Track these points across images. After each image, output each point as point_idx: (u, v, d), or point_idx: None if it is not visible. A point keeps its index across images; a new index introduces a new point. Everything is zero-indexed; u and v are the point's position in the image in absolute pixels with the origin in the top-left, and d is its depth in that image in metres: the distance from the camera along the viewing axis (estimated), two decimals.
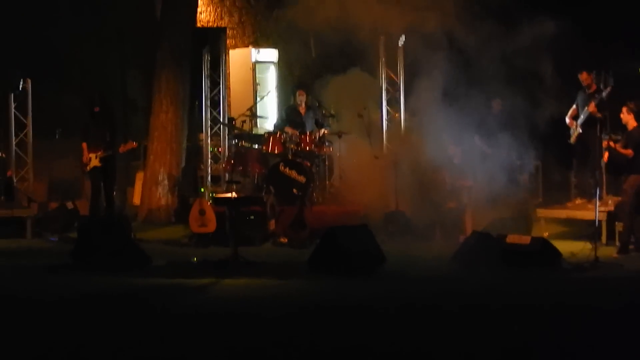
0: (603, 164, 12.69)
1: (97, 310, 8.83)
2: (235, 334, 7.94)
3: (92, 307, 9.01)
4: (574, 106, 13.54)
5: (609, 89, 13.07)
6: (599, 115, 12.88)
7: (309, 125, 14.54)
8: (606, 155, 12.16)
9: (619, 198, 12.73)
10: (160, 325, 8.23)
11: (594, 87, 13.32)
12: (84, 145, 13.47)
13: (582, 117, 13.29)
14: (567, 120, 13.59)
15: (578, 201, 13.65)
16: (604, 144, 12.07)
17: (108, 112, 13.78)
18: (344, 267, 10.41)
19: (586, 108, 13.13)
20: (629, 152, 11.93)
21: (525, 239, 11.09)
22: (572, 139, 13.53)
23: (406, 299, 9.29)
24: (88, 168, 13.51)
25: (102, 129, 13.47)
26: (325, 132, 14.48)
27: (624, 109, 12.14)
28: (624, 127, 12.29)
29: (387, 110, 15.11)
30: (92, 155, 13.42)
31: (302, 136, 14.11)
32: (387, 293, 9.68)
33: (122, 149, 13.50)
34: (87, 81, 17.37)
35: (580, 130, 13.31)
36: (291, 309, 8.84)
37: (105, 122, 13.56)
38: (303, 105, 14.78)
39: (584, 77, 13.37)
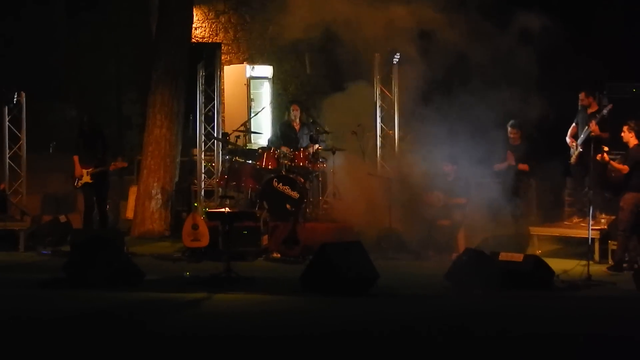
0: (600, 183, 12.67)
1: (84, 330, 8.68)
2: (225, 356, 7.88)
3: (80, 325, 8.86)
4: (574, 125, 13.55)
5: (609, 106, 13.04)
6: (599, 134, 12.87)
7: (304, 141, 14.56)
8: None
9: (613, 217, 12.73)
10: (149, 348, 8.10)
11: (594, 106, 13.33)
12: (76, 158, 13.50)
13: (582, 137, 13.28)
14: (568, 139, 13.57)
15: (575, 219, 13.64)
16: (597, 157, 12.03)
17: (98, 131, 13.78)
18: (336, 285, 10.34)
19: (587, 127, 13.12)
20: (625, 167, 11.93)
21: (518, 257, 11.03)
22: (573, 159, 13.50)
23: (400, 322, 9.17)
24: (79, 184, 13.54)
25: (93, 147, 13.52)
26: (319, 148, 14.48)
27: (625, 128, 12.12)
28: (622, 145, 12.29)
29: (382, 127, 15.13)
30: (84, 172, 13.44)
31: (296, 152, 14.11)
32: (381, 314, 9.57)
33: (112, 167, 13.56)
34: (82, 96, 17.41)
35: (581, 149, 13.30)
36: (282, 332, 8.68)
37: (95, 140, 13.61)
38: (297, 120, 14.79)
39: (582, 97, 13.41)
